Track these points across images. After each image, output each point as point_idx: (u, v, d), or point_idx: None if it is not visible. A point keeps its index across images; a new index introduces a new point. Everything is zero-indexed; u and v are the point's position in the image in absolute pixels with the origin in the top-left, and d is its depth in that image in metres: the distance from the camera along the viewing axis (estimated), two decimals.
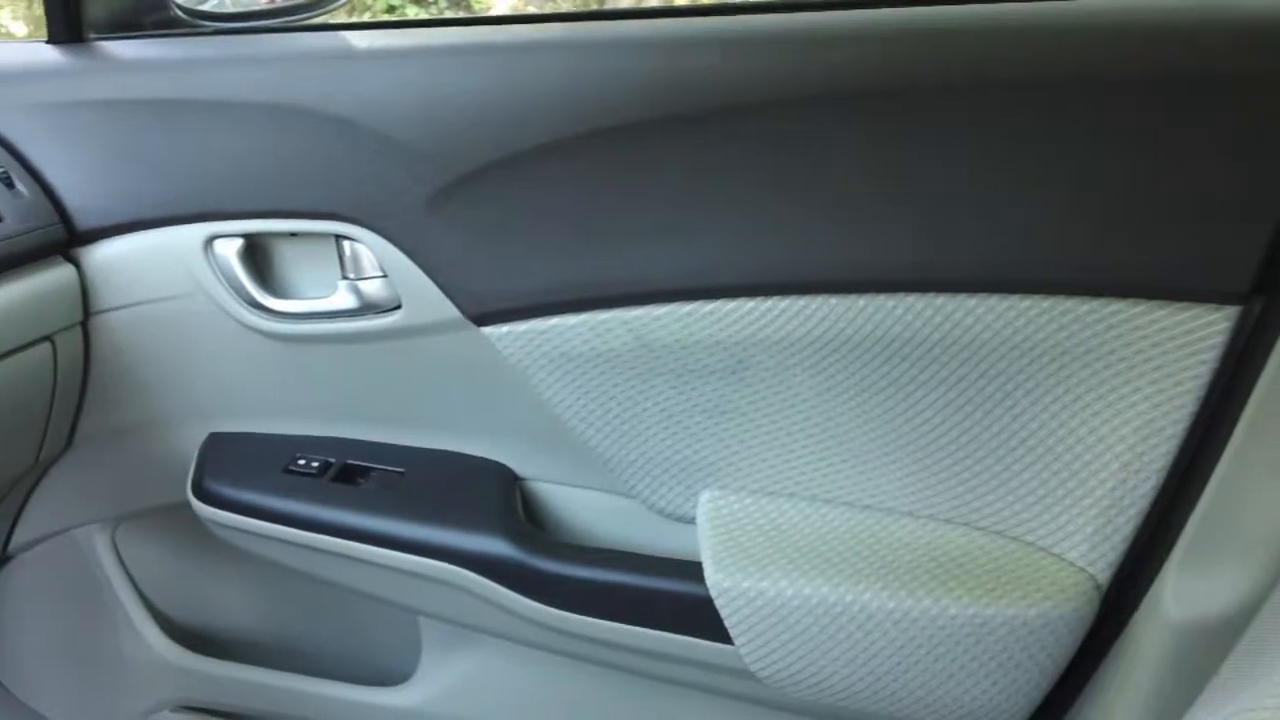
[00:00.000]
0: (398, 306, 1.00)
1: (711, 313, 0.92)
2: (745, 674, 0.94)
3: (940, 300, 0.87)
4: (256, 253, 1.04)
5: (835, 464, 0.96)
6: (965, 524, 0.93)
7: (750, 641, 0.92)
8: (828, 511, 0.96)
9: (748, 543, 0.94)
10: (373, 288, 1.00)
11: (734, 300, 0.92)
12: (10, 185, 1.02)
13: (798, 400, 0.94)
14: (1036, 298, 0.85)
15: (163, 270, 1.05)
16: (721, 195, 0.91)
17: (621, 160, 0.93)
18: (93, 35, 1.11)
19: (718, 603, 0.92)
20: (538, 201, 0.95)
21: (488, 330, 0.98)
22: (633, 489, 1.02)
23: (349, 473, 1.08)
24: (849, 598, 0.90)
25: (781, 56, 0.90)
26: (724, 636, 0.93)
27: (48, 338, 1.03)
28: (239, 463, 1.10)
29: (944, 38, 0.88)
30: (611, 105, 0.92)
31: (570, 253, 0.95)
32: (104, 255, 1.06)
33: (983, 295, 0.86)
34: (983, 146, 0.85)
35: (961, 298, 0.87)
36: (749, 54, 0.91)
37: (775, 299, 0.91)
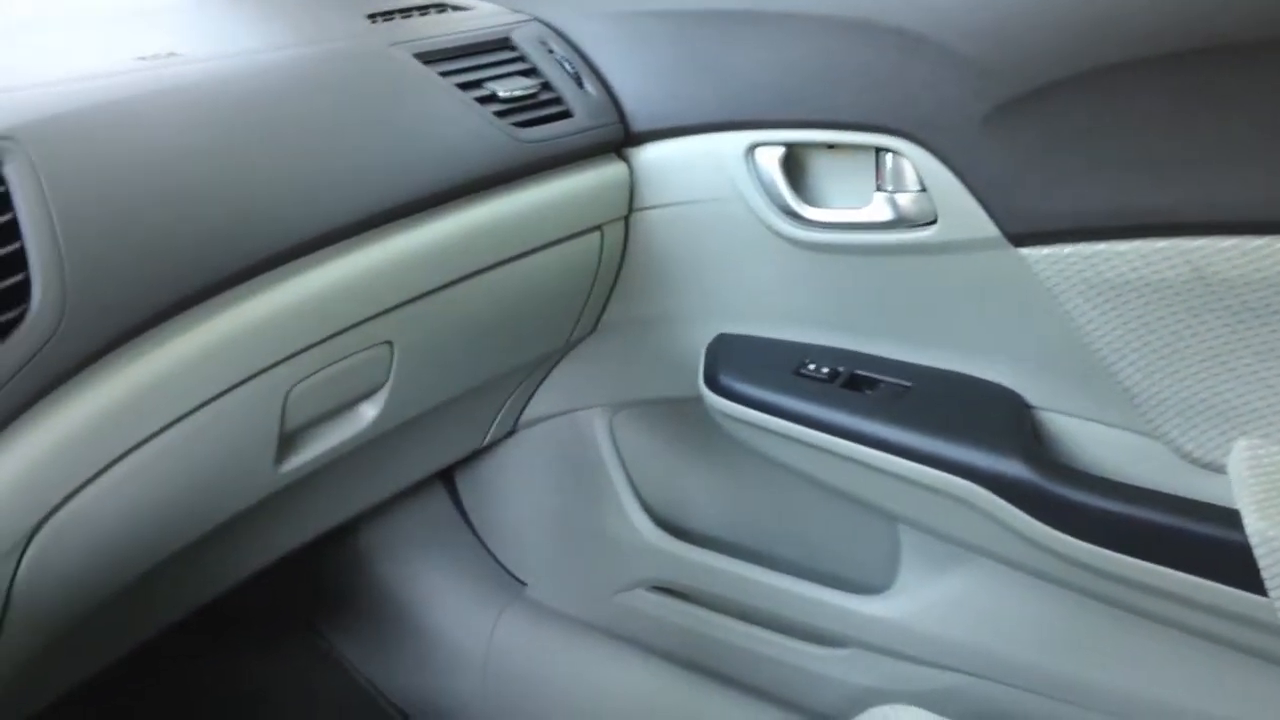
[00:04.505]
0: (933, 221, 1.01)
1: None
2: (1273, 629, 0.89)
3: None
4: (792, 162, 1.09)
5: None
6: None
7: None
8: None
9: None
10: (908, 201, 1.02)
11: None
12: (580, 85, 1.12)
13: None
14: None
15: (704, 174, 1.11)
16: None
17: (1201, 82, 0.88)
18: None
19: (1258, 552, 0.87)
20: (1103, 121, 0.92)
21: (1025, 251, 0.97)
22: (1158, 428, 0.98)
23: (856, 382, 1.11)
24: None
25: None
26: (1257, 587, 0.88)
27: (598, 227, 1.13)
28: (749, 362, 1.16)
29: None
30: (1198, 25, 0.88)
31: (1131, 176, 0.92)
32: (652, 156, 1.14)
33: None
34: None
35: None
36: None
37: None
